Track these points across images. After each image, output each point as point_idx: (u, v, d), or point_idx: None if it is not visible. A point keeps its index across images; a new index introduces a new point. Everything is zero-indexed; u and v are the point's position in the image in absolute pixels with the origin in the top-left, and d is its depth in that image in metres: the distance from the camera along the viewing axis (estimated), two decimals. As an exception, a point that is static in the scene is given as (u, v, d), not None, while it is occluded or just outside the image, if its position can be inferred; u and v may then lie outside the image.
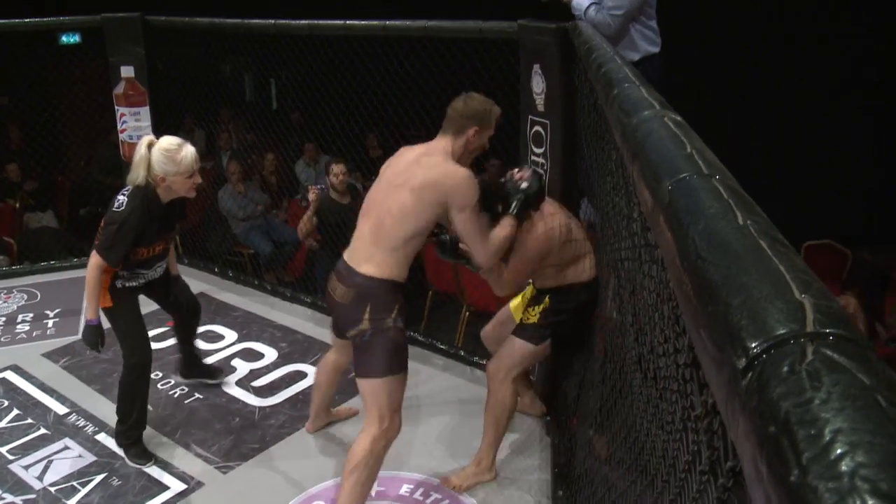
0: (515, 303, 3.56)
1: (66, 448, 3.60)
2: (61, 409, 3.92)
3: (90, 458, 3.53)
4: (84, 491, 3.31)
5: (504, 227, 3.03)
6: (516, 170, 3.18)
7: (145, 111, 5.47)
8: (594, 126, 2.68)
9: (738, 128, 7.15)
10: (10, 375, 4.25)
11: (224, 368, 4.29)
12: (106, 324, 3.38)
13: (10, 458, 3.53)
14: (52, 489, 3.32)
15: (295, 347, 4.55)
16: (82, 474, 3.42)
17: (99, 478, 3.39)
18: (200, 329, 4.65)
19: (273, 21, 4.88)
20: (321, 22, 4.63)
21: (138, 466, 3.44)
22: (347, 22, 4.49)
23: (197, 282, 5.07)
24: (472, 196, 2.78)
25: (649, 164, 1.06)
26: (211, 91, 5.77)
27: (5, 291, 5.46)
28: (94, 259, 3.19)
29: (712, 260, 0.73)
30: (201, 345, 4.55)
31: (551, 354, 3.72)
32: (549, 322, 3.22)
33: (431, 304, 5.89)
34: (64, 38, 6.26)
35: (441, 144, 2.88)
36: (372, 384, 2.83)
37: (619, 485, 2.02)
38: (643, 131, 1.20)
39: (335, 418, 3.76)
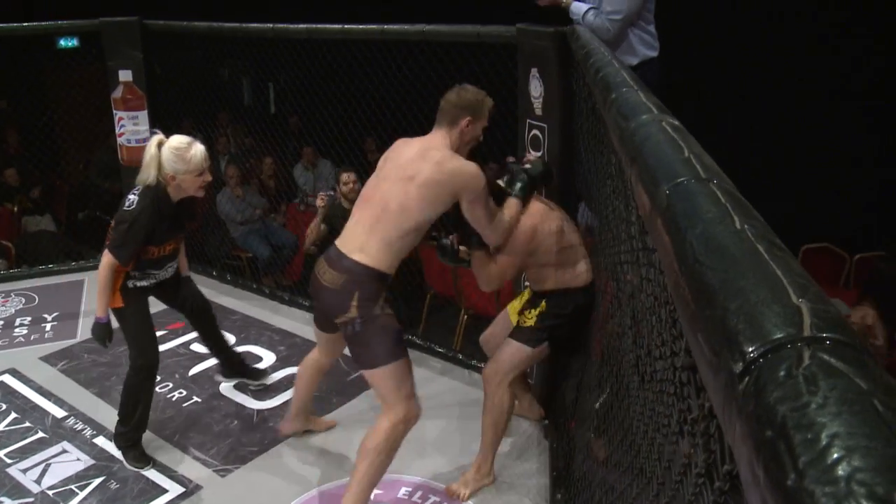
0: (513, 306, 3.56)
1: (65, 451, 3.60)
2: (59, 413, 3.91)
3: (88, 461, 3.52)
4: (82, 494, 3.30)
5: (510, 208, 3.08)
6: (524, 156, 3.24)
7: (143, 115, 5.47)
8: (592, 130, 2.69)
9: (736, 130, 7.15)
10: (8, 379, 4.25)
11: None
12: (114, 323, 3.40)
13: (8, 461, 3.52)
14: (51, 493, 3.32)
15: (293, 351, 4.55)
16: (80, 478, 3.41)
17: (97, 481, 3.39)
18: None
19: (271, 25, 4.89)
20: (319, 26, 4.64)
21: (136, 470, 3.44)
22: (345, 26, 4.50)
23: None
24: (482, 187, 2.84)
25: (647, 168, 1.06)
26: (209, 95, 5.77)
27: (3, 295, 5.46)
28: (106, 258, 3.23)
29: (709, 264, 0.73)
30: (199, 348, 4.55)
31: (550, 358, 3.72)
32: (546, 326, 3.22)
33: (430, 307, 5.89)
34: (62, 42, 6.25)
35: (440, 138, 2.91)
36: (376, 374, 2.86)
37: (616, 488, 2.02)
38: (641, 135, 1.20)
39: (312, 426, 3.69)
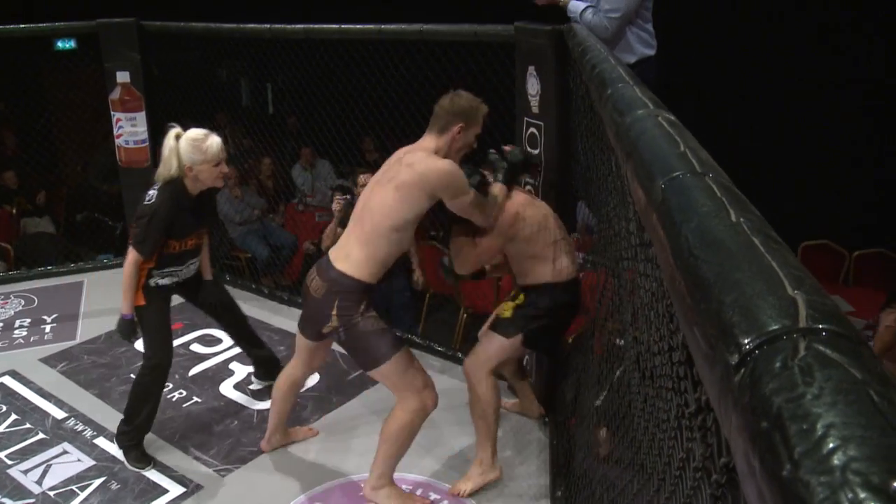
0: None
1: (65, 452, 3.60)
2: (59, 414, 3.91)
3: (89, 462, 3.52)
4: (83, 495, 3.30)
5: (495, 189, 3.13)
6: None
7: (141, 116, 5.47)
8: (591, 128, 2.69)
9: (735, 128, 7.15)
10: (8, 381, 4.24)
11: (222, 372, 4.28)
12: None
13: (9, 462, 3.52)
14: (51, 493, 3.32)
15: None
16: (81, 478, 3.41)
17: (98, 482, 3.39)
18: (198, 333, 4.67)
19: (269, 26, 4.88)
20: (317, 26, 4.64)
21: (137, 470, 3.44)
22: (343, 26, 4.50)
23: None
24: (461, 184, 2.88)
25: (643, 162, 1.06)
26: (207, 96, 5.76)
27: (2, 297, 5.45)
28: (131, 255, 3.29)
29: (705, 257, 0.73)
30: (199, 349, 4.55)
31: (549, 356, 3.73)
32: (521, 318, 3.22)
33: (429, 306, 5.89)
34: (59, 44, 6.24)
35: (425, 142, 2.95)
36: (379, 373, 2.98)
37: (617, 484, 2.02)
38: (637, 130, 1.20)
39: (292, 438, 3.66)
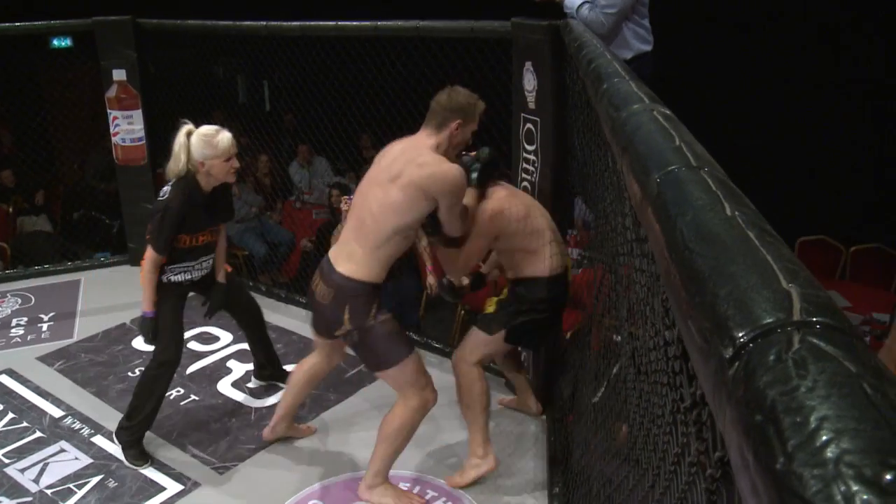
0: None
1: (62, 451, 3.59)
2: (57, 413, 3.91)
3: (86, 460, 3.52)
4: (80, 493, 3.30)
5: (468, 196, 3.09)
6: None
7: (138, 114, 5.46)
8: (587, 123, 2.69)
9: (732, 125, 7.15)
10: (5, 379, 4.24)
11: (220, 370, 4.28)
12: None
13: (6, 461, 3.52)
14: (49, 492, 3.31)
15: (290, 348, 4.54)
16: (78, 477, 3.41)
17: (95, 480, 3.39)
18: (196, 330, 4.67)
19: (265, 23, 4.88)
20: (313, 23, 4.63)
21: (135, 467, 3.44)
22: (339, 23, 4.49)
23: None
24: (462, 194, 2.87)
25: (638, 156, 1.06)
26: (204, 93, 5.76)
27: (-1, 296, 5.45)
28: (148, 252, 3.34)
29: (700, 251, 0.73)
30: (197, 347, 4.55)
31: (547, 353, 3.73)
32: (503, 313, 3.23)
33: (427, 304, 5.88)
34: (55, 42, 6.24)
35: (425, 139, 2.89)
36: (387, 375, 2.98)
37: (614, 480, 2.02)
38: (632, 125, 1.20)
39: (294, 433, 3.65)
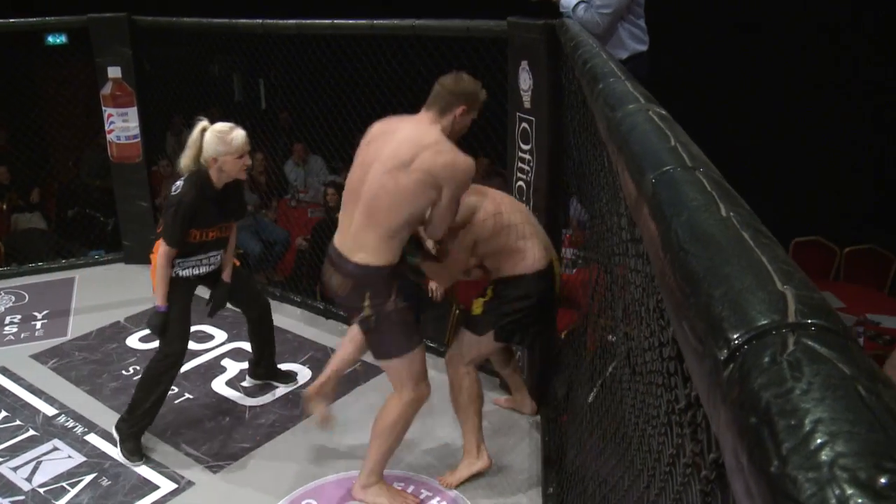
0: None
1: (56, 449, 3.59)
2: (50, 411, 3.90)
3: (79, 458, 3.51)
4: (73, 492, 3.29)
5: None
6: None
7: (133, 112, 5.45)
8: (583, 123, 2.68)
9: (728, 126, 7.16)
10: (-2, 377, 4.23)
11: (215, 368, 4.27)
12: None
13: (-1, 460, 3.51)
14: (42, 490, 3.31)
15: (285, 347, 4.53)
16: (72, 475, 3.40)
17: (88, 478, 3.38)
18: (192, 328, 4.64)
19: (260, 21, 4.87)
20: (309, 21, 4.62)
21: (128, 463, 3.43)
22: (335, 21, 4.48)
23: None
24: (468, 188, 2.86)
25: (633, 156, 1.06)
26: (199, 91, 5.75)
27: (-7, 293, 5.44)
28: (162, 246, 3.36)
29: (694, 251, 0.73)
30: (191, 345, 4.53)
31: (541, 352, 3.73)
32: (489, 313, 3.21)
33: (421, 303, 5.88)
34: (50, 39, 6.24)
35: (432, 123, 2.79)
36: (390, 364, 2.96)
37: (609, 481, 2.02)
38: (627, 125, 1.19)
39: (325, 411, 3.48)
